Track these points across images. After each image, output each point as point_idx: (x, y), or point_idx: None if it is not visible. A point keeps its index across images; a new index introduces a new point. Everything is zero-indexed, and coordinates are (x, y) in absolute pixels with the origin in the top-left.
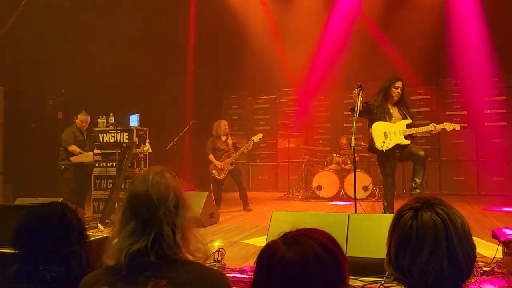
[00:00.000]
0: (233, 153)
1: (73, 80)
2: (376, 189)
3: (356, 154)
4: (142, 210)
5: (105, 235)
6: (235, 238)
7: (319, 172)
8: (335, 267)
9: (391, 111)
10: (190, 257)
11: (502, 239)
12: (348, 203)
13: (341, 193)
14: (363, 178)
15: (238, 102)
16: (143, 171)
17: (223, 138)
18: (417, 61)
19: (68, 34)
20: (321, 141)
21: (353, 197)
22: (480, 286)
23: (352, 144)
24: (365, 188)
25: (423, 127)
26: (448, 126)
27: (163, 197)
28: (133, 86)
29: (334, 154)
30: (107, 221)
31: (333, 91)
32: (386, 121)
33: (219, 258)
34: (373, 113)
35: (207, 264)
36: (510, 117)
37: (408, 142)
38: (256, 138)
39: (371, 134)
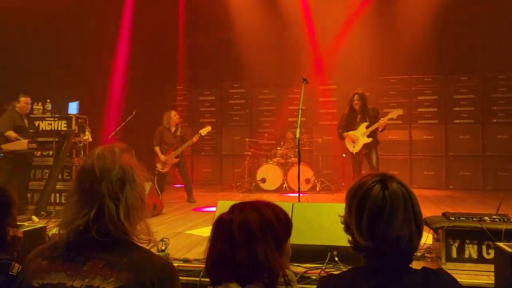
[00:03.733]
0: (179, 146)
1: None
2: (317, 182)
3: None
4: (85, 183)
5: (41, 225)
6: (178, 229)
7: (263, 165)
8: (282, 227)
9: (358, 117)
10: (135, 239)
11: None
12: (291, 194)
13: (284, 186)
14: (305, 171)
15: (183, 93)
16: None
17: (173, 129)
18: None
19: None
20: (266, 135)
21: (296, 190)
22: None
23: (297, 136)
24: (307, 181)
25: (375, 124)
26: (393, 114)
27: (106, 170)
28: (73, 72)
29: (278, 148)
30: (42, 212)
31: (279, 85)
32: (354, 128)
33: (163, 247)
34: (346, 121)
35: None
36: (478, 115)
37: (370, 139)
38: (203, 132)
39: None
